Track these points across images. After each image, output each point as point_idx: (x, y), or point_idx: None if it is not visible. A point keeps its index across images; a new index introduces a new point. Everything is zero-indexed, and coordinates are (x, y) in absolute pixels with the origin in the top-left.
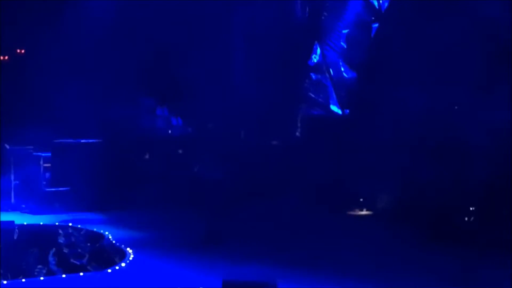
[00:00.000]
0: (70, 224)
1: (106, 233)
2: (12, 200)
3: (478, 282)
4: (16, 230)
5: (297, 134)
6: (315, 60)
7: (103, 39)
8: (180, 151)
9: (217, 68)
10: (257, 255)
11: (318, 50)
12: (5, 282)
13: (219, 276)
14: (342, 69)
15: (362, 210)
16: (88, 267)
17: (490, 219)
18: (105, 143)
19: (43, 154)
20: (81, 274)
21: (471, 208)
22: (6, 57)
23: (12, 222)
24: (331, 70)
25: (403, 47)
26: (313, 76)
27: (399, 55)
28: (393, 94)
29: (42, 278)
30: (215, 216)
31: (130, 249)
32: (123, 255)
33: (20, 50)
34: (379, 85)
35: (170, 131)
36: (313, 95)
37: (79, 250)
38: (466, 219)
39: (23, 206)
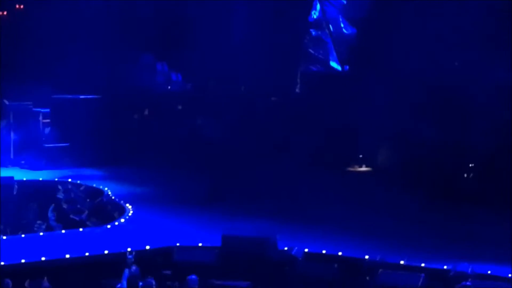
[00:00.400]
0: (70, 179)
1: (106, 188)
2: (12, 155)
3: (477, 238)
4: (16, 185)
5: (297, 90)
6: (315, 16)
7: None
8: (180, 107)
9: (217, 24)
10: (257, 211)
11: (318, 6)
12: (4, 237)
13: (218, 232)
14: (342, 25)
15: (361, 167)
16: (88, 223)
17: (489, 176)
18: (104, 99)
19: (42, 110)
20: (81, 229)
21: (470, 165)
22: (5, 13)
23: (12, 177)
24: (330, 26)
25: (404, 3)
26: (313, 32)
27: (399, 11)
28: (393, 51)
29: (41, 233)
30: (215, 174)
31: (130, 205)
32: (122, 211)
33: (19, 5)
34: (379, 41)
35: (169, 87)
36: (312, 51)
37: (79, 206)
38: (465, 175)
39: (23, 162)
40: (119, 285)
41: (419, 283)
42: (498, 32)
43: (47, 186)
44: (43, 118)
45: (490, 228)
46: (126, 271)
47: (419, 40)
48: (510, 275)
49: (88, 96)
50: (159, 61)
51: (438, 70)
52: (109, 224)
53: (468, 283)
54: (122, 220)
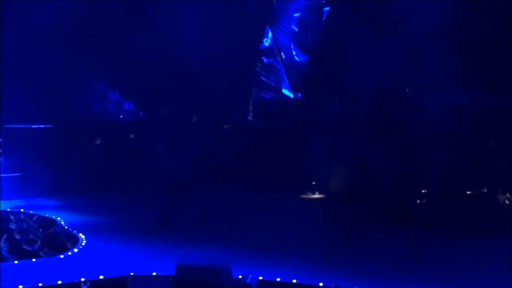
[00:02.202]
0: (22, 210)
1: (58, 218)
2: None
3: (429, 262)
4: None
5: (249, 118)
6: (267, 44)
7: (53, 24)
8: (132, 136)
9: (168, 52)
10: (211, 240)
11: (270, 34)
12: None
13: (172, 261)
14: (294, 52)
15: (314, 194)
16: (41, 253)
17: (442, 201)
18: (57, 128)
19: None
20: (34, 260)
21: (423, 191)
22: None
23: None
24: (282, 54)
25: (354, 30)
26: (265, 60)
27: (350, 39)
28: (344, 78)
29: None
30: (168, 201)
31: (83, 234)
32: (75, 241)
33: None
34: (331, 68)
35: (121, 116)
36: (264, 79)
37: (31, 236)
38: (418, 201)
39: None
40: None
41: None
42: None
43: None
44: None
45: (442, 252)
46: None
47: (371, 67)
48: None
49: (40, 126)
50: (110, 90)
51: (390, 95)
52: (62, 254)
53: None
54: (76, 250)
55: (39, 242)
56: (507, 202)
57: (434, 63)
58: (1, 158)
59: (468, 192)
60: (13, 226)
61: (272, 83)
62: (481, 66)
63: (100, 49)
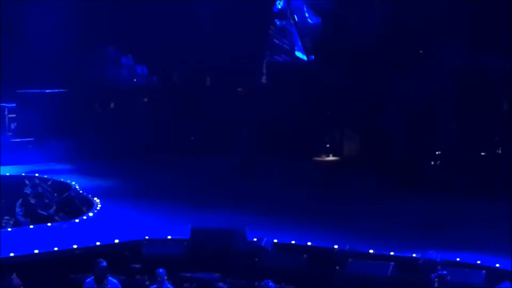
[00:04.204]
0: (37, 174)
1: (73, 183)
2: None
3: (444, 225)
4: None
5: (263, 80)
6: (280, 6)
7: None
8: (146, 100)
9: (182, 16)
10: (225, 203)
11: None
12: None
13: (188, 225)
14: (307, 15)
15: (328, 156)
16: (56, 217)
17: (456, 164)
18: (70, 93)
19: (8, 105)
20: (49, 224)
21: (437, 153)
22: None
23: None
24: (295, 16)
25: None
26: (278, 23)
27: (363, 1)
28: (357, 41)
29: (9, 229)
30: (182, 166)
31: (98, 198)
32: (90, 205)
33: None
34: (344, 31)
35: (135, 80)
36: (278, 42)
37: (46, 201)
38: (432, 163)
39: None
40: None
41: (389, 272)
42: None
43: (14, 181)
44: (9, 113)
45: (457, 215)
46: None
47: (384, 28)
48: (478, 261)
49: (54, 90)
50: (124, 54)
51: (403, 57)
52: (77, 219)
53: (444, 272)
54: (91, 214)
55: (54, 207)
56: None
57: (444, 28)
58: (15, 123)
59: (482, 154)
60: (28, 190)
61: (285, 46)
62: (491, 29)
63: (113, 13)
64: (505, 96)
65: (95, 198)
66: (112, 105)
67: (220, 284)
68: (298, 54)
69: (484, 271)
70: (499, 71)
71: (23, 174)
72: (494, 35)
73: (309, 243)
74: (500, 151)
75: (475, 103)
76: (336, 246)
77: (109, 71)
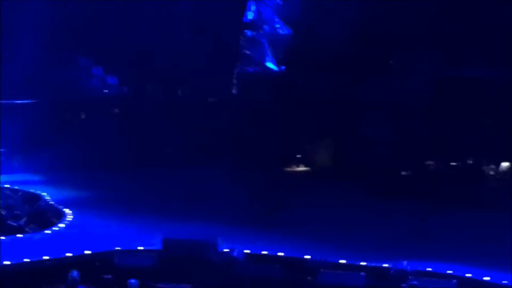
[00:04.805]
0: (7, 185)
1: (44, 194)
2: None
3: (415, 234)
4: None
5: (234, 91)
6: (250, 17)
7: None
8: (117, 111)
9: (152, 26)
10: (197, 215)
11: (253, 7)
12: None
13: (159, 236)
14: (278, 25)
15: (299, 166)
16: (26, 229)
17: (428, 175)
18: (41, 104)
19: None
20: (20, 235)
21: (411, 162)
22: None
23: None
24: (266, 27)
25: (337, 3)
26: (248, 33)
27: (333, 11)
28: (328, 51)
29: None
30: (152, 177)
31: (69, 209)
32: (61, 216)
33: None
34: (314, 41)
35: (106, 90)
36: (248, 52)
37: (17, 212)
38: (405, 172)
39: None
40: None
41: (360, 282)
42: None
43: None
44: None
45: (428, 225)
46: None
47: (354, 38)
48: (448, 271)
49: (25, 101)
50: (95, 65)
51: (375, 68)
52: (48, 230)
53: (414, 282)
54: (62, 225)
55: (24, 218)
56: (491, 173)
57: (416, 37)
58: None
59: (453, 164)
60: None
61: (255, 56)
62: (467, 41)
63: (84, 24)
64: (481, 106)
65: (66, 209)
66: (83, 115)
67: None
68: (269, 64)
69: (455, 281)
70: (476, 81)
71: None
72: (468, 45)
73: (280, 254)
74: (472, 162)
75: (451, 112)
76: (307, 256)
77: (80, 82)
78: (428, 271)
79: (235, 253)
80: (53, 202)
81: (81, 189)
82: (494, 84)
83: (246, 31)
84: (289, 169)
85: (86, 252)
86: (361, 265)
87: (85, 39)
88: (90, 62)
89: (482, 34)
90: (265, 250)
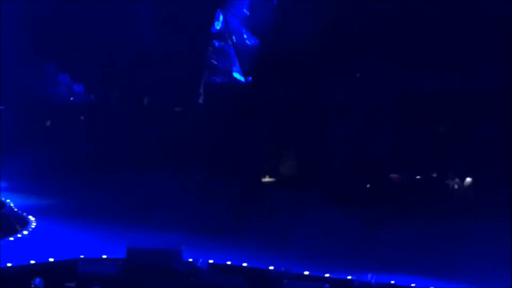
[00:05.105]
0: None
1: (8, 200)
2: None
3: (380, 245)
4: None
5: (200, 101)
6: (218, 27)
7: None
8: (83, 118)
9: (119, 34)
10: (161, 223)
11: (221, 17)
12: None
13: (123, 244)
14: (245, 36)
15: (265, 177)
16: None
17: (391, 184)
18: (6, 110)
19: None
20: None
21: (373, 174)
22: None
23: None
24: (233, 37)
25: (306, 12)
26: (216, 43)
27: (301, 22)
28: (295, 62)
29: None
30: (118, 185)
31: (32, 217)
32: (25, 223)
33: None
34: (282, 52)
35: (72, 98)
36: (215, 62)
37: None
38: (368, 184)
39: None
40: None
41: None
42: None
43: None
44: None
45: (394, 235)
46: None
47: (323, 48)
48: (413, 285)
49: None
50: (61, 72)
51: (339, 78)
52: (11, 237)
53: None
54: (25, 232)
55: None
56: (456, 186)
57: (385, 46)
58: None
59: (417, 177)
60: None
61: (223, 67)
62: (427, 49)
63: (51, 31)
64: (444, 117)
65: (30, 216)
66: (48, 123)
67: None
68: (236, 75)
69: None
70: (440, 92)
71: None
72: (434, 55)
73: (244, 264)
74: (435, 175)
75: (412, 124)
76: (271, 267)
77: (46, 89)
78: (392, 284)
79: (199, 263)
80: (16, 209)
81: (45, 196)
82: (457, 94)
83: (214, 41)
84: (254, 179)
85: (50, 259)
86: (325, 277)
87: (52, 47)
88: (57, 69)
89: (450, 42)
90: (229, 261)
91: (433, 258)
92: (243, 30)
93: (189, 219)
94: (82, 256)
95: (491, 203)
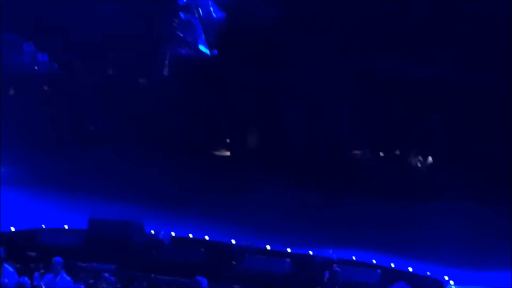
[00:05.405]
0: None
1: None
2: None
3: (340, 222)
4: None
5: (165, 73)
6: (185, 0)
7: None
8: (46, 88)
9: (84, 3)
10: (123, 195)
11: None
12: None
13: (85, 216)
14: (211, 9)
15: (227, 151)
16: None
17: (355, 163)
18: None
19: None
20: None
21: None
22: None
23: None
24: (200, 10)
25: None
26: (182, 16)
27: None
28: (260, 35)
29: None
30: (79, 155)
31: None
32: None
33: None
34: (247, 25)
35: (36, 67)
36: (181, 35)
37: None
38: (333, 158)
39: None
40: None
41: (285, 269)
42: None
43: None
44: None
45: (356, 213)
46: None
47: (286, 24)
48: (374, 261)
49: None
50: (25, 41)
51: (304, 52)
52: None
53: (336, 268)
54: None
55: None
56: (418, 165)
57: (349, 27)
58: None
59: (381, 154)
60: None
61: (188, 39)
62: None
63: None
64: (406, 102)
65: None
66: (12, 92)
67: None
68: (201, 48)
69: (379, 271)
70: (408, 76)
71: None
72: (397, 39)
73: (206, 237)
74: (399, 152)
75: (378, 105)
76: (233, 241)
77: (10, 58)
78: (353, 260)
79: (161, 235)
80: None
81: (8, 165)
82: (421, 77)
83: (180, 13)
84: (217, 153)
85: (11, 229)
86: (286, 252)
87: (16, 15)
88: (21, 38)
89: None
90: (191, 233)
91: (393, 236)
92: (210, 3)
93: (150, 191)
94: (43, 226)
95: (452, 182)
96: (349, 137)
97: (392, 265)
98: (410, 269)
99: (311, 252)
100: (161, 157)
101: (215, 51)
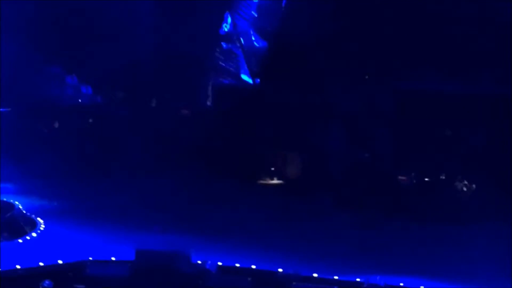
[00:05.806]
0: None
1: (16, 202)
2: None
3: (389, 248)
4: None
5: (208, 103)
6: (226, 29)
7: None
8: (91, 120)
9: (127, 36)
10: (170, 225)
11: (229, 19)
12: None
13: (132, 247)
14: (253, 38)
15: (272, 179)
16: None
17: (399, 188)
18: (15, 112)
19: None
20: None
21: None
22: None
23: None
24: (241, 39)
25: (314, 14)
26: (224, 45)
27: (310, 23)
28: (303, 64)
29: None
30: (127, 187)
31: (41, 219)
32: (34, 225)
33: None
34: (289, 54)
35: (80, 100)
36: (223, 64)
37: None
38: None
39: None
40: None
41: None
42: None
43: None
44: None
45: (403, 238)
46: None
47: (332, 52)
48: (422, 287)
49: None
50: (68, 74)
51: (346, 83)
52: (20, 239)
53: None
54: (34, 234)
55: None
56: (464, 189)
57: (393, 48)
58: None
59: (426, 179)
60: None
61: (231, 69)
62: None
63: (58, 32)
64: (449, 122)
65: (39, 218)
66: (56, 124)
67: None
68: (244, 77)
69: None
70: (446, 95)
71: None
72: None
73: (253, 266)
74: (444, 177)
75: (419, 128)
76: (280, 270)
77: (54, 91)
78: (401, 286)
79: (207, 265)
80: (25, 211)
81: (53, 198)
82: (462, 98)
83: (222, 43)
84: (262, 181)
85: (59, 261)
86: (334, 279)
87: (59, 48)
88: (64, 71)
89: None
90: (238, 263)
91: (441, 260)
92: (251, 32)
93: (198, 221)
94: (90, 258)
95: (494, 206)
96: (395, 162)
97: None
98: None
99: (358, 279)
100: (206, 187)
101: (258, 80)
